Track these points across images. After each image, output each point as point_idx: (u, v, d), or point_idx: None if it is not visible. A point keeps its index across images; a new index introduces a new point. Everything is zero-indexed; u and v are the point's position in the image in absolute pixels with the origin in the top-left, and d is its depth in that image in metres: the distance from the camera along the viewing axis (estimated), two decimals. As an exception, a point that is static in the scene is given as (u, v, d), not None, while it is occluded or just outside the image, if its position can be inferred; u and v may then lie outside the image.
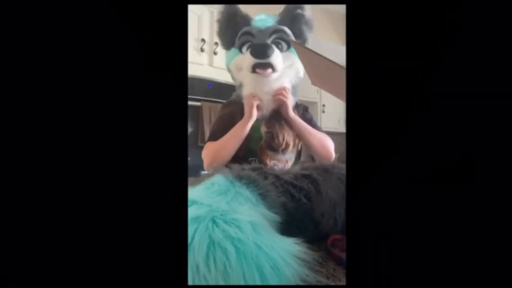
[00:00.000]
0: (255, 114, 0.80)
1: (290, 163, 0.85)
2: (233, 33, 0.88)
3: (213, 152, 0.82)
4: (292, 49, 0.84)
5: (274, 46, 0.79)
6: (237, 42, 0.86)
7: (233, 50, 0.88)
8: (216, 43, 2.10)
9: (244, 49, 0.85)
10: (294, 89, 0.89)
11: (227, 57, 0.92)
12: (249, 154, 0.82)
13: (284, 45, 0.84)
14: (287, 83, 0.85)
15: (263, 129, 0.83)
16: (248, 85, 0.85)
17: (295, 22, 0.85)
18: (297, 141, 0.87)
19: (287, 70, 0.84)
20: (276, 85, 0.83)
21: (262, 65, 0.78)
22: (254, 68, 0.79)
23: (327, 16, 3.07)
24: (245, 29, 0.85)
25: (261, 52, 0.77)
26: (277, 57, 0.79)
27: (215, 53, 2.09)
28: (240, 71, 0.86)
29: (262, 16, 0.87)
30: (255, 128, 0.83)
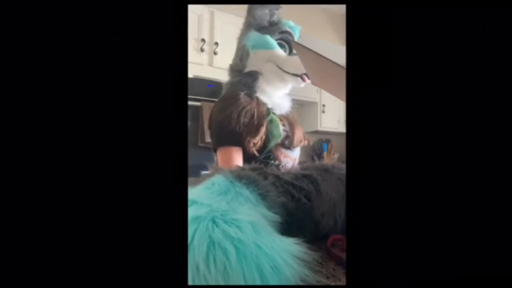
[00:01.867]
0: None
1: (296, 161, 0.86)
2: (266, 19, 0.83)
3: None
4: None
5: None
6: (275, 35, 0.83)
7: (268, 39, 0.82)
8: (216, 43, 2.10)
9: (277, 43, 0.83)
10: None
11: (253, 40, 0.83)
12: (265, 150, 0.79)
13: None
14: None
15: (281, 127, 0.81)
16: (270, 78, 0.82)
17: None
18: (308, 139, 0.89)
19: None
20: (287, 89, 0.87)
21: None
22: (303, 74, 0.79)
23: (327, 16, 3.07)
24: (287, 28, 0.85)
25: None
26: None
27: (215, 53, 2.09)
28: (268, 62, 0.81)
29: (291, 23, 0.88)
30: (274, 125, 0.79)
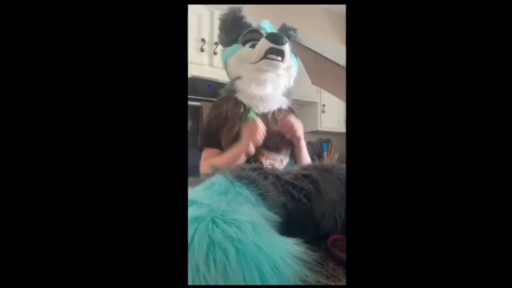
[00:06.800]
0: (251, 149, 0.78)
1: (284, 162, 0.87)
2: (236, 33, 0.90)
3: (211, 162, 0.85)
4: (292, 54, 0.88)
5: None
6: (241, 39, 0.88)
7: (235, 46, 0.89)
8: (216, 43, 2.10)
9: (247, 45, 0.86)
10: (288, 91, 0.92)
11: (226, 52, 0.92)
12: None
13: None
14: (283, 84, 0.89)
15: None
16: (248, 78, 0.86)
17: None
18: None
19: (285, 72, 0.87)
20: (273, 86, 0.86)
21: (276, 50, 0.80)
22: (267, 53, 0.80)
23: (327, 16, 3.07)
24: (252, 28, 0.88)
25: (277, 39, 0.80)
26: (288, 48, 0.82)
27: (215, 53, 2.09)
28: (242, 64, 0.86)
29: (268, 23, 0.91)
30: (248, 112, 0.86)
